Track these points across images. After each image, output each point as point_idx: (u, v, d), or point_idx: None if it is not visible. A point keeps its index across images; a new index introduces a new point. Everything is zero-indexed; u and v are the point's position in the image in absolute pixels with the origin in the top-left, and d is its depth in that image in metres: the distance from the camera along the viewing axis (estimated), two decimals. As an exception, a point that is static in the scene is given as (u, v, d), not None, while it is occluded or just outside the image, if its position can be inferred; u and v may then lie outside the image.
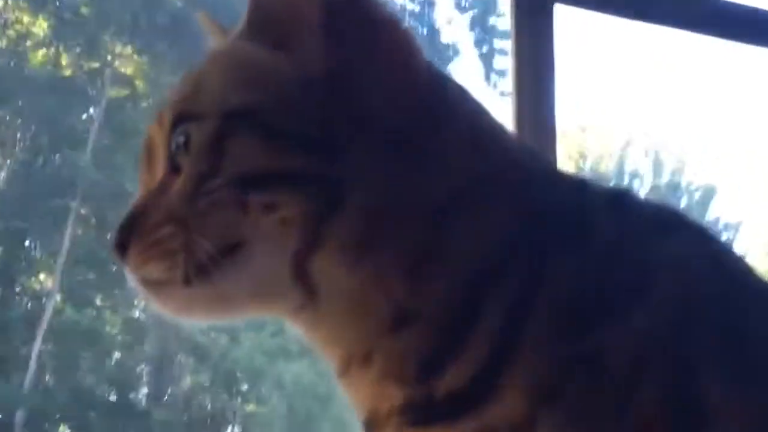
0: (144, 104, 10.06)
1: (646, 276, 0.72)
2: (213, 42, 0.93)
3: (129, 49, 10.26)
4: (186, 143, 0.78)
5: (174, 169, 0.80)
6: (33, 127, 9.76)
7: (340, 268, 0.76)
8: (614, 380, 0.67)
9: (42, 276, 9.57)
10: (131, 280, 0.80)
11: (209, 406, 9.84)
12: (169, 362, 9.70)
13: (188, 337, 9.07)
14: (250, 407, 9.94)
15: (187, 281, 0.76)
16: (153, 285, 0.79)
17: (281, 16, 0.80)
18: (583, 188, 0.80)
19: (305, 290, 0.76)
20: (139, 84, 10.25)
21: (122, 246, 0.79)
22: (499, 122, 0.83)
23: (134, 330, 9.50)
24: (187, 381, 9.86)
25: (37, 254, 9.79)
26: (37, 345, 8.76)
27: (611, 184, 0.89)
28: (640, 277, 0.72)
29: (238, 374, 9.74)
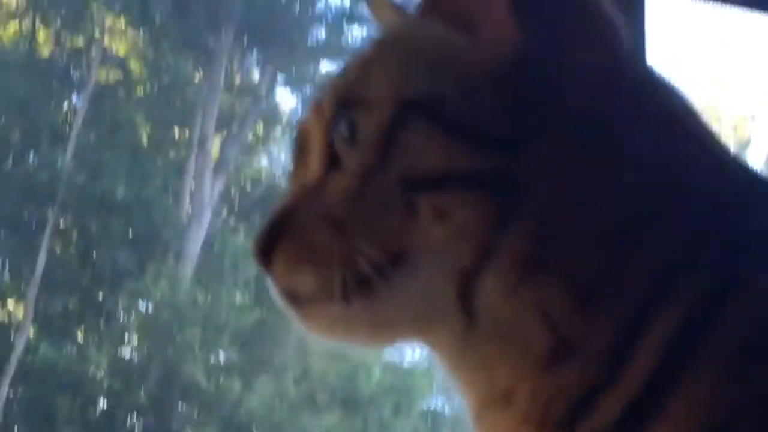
0: (140, 92, 9.91)
1: None
2: (383, 22, 0.91)
3: (122, 22, 9.85)
4: (351, 134, 0.75)
5: (333, 164, 0.76)
6: (2, 118, 9.39)
7: (506, 291, 0.71)
8: None
9: (10, 304, 9.09)
10: (275, 294, 0.76)
11: (217, 469, 9.58)
12: (168, 412, 9.00)
13: (191, 381, 8.70)
14: (268, 470, 9.73)
15: (345, 297, 0.71)
16: (302, 300, 0.75)
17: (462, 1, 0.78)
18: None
19: (465, 314, 0.72)
20: (134, 66, 9.94)
21: (267, 251, 0.75)
22: (708, 127, 0.78)
23: (124, 372, 8.90)
24: (189, 437, 9.54)
25: (5, 277, 9.35)
26: (4, 390, 8.26)
27: None
28: None
29: (254, 429, 9.11)
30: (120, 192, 8.82)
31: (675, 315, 0.69)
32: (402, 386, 9.62)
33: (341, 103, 0.77)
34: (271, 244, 0.75)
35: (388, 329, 0.75)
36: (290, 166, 0.83)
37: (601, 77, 0.75)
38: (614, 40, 0.78)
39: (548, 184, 0.71)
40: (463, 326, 0.73)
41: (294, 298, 0.75)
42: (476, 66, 0.74)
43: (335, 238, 0.73)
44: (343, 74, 0.81)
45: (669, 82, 0.80)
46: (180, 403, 9.07)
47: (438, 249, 0.71)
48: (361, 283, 0.71)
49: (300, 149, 0.81)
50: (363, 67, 0.79)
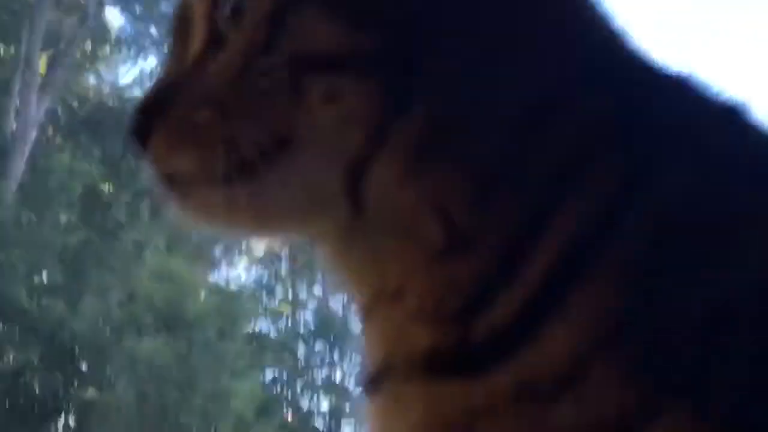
0: None
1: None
2: None
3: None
4: (236, 13, 0.71)
5: (216, 43, 0.72)
6: None
7: (398, 180, 0.68)
8: (696, 338, 0.62)
9: None
10: (153, 177, 0.72)
11: (37, 390, 9.06)
12: (-12, 333, 8.91)
13: (13, 301, 8.45)
14: (90, 393, 9.21)
15: (226, 179, 0.67)
16: (181, 182, 0.70)
17: None
18: (689, 92, 0.72)
19: (352, 204, 0.69)
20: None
21: (143, 130, 0.70)
22: (605, 12, 0.74)
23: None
24: (9, 357, 9.08)
25: None
26: None
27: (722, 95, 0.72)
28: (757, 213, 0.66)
29: (77, 350, 8.97)
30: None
31: (578, 209, 0.67)
32: (228, 309, 9.56)
33: None
34: (149, 124, 0.72)
35: (270, 217, 0.72)
36: (169, 44, 0.80)
37: None
38: None
39: (445, 74, 0.69)
40: (350, 217, 0.71)
41: (174, 179, 0.72)
42: None
43: (218, 119, 0.70)
44: None
45: None
46: (1, 323, 8.83)
47: (326, 134, 0.69)
48: (244, 166, 0.69)
49: (180, 26, 0.78)
50: None
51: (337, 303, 11.60)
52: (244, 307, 10.03)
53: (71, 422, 9.39)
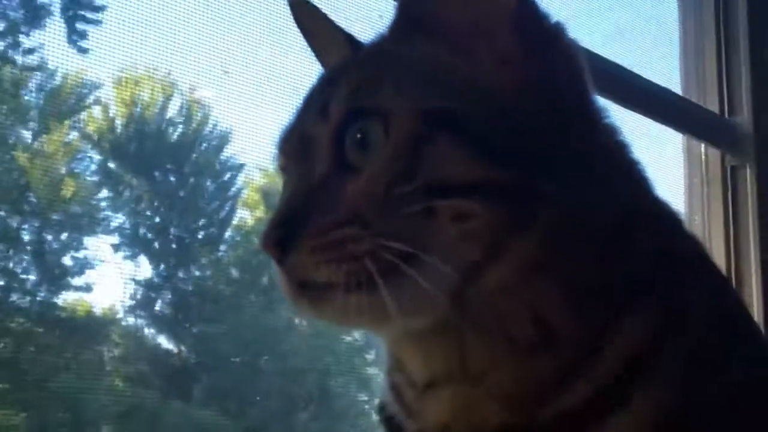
0: None
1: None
2: (311, 31, 0.98)
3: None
4: (363, 140, 0.78)
5: (342, 165, 0.79)
6: None
7: (503, 288, 0.76)
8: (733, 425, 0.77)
9: None
10: (284, 283, 0.78)
11: None
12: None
13: None
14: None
15: (361, 287, 0.74)
16: (316, 289, 0.77)
17: (460, 22, 0.81)
18: (688, 234, 0.88)
19: (455, 302, 0.76)
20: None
21: (283, 243, 0.76)
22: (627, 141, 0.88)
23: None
24: None
25: None
26: None
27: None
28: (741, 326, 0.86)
29: None
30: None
31: (639, 324, 0.78)
32: None
33: (352, 111, 0.80)
34: (288, 239, 0.77)
35: (388, 316, 0.76)
36: (284, 163, 0.86)
37: (582, 112, 0.84)
38: (581, 64, 0.86)
39: (555, 201, 0.76)
40: (447, 312, 0.77)
41: (309, 286, 0.77)
42: (486, 89, 0.79)
43: (364, 236, 0.75)
44: (343, 83, 0.83)
45: (615, 123, 0.89)
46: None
47: (450, 248, 0.75)
48: (378, 275, 0.74)
49: (300, 148, 0.83)
50: (367, 79, 0.82)
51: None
52: None
53: None
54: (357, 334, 2.25)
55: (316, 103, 0.84)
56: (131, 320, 1.62)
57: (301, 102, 0.88)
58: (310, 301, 0.78)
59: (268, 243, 0.77)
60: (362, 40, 0.96)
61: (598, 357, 0.77)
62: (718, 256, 2.26)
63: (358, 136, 0.79)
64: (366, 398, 2.08)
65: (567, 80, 0.84)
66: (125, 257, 1.60)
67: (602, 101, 0.88)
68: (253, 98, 1.62)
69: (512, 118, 0.78)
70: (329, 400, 1.98)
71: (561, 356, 0.77)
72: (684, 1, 2.46)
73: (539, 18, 0.84)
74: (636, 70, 2.15)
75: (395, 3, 0.88)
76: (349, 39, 0.96)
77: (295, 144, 0.84)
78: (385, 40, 0.88)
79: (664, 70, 2.40)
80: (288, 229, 0.77)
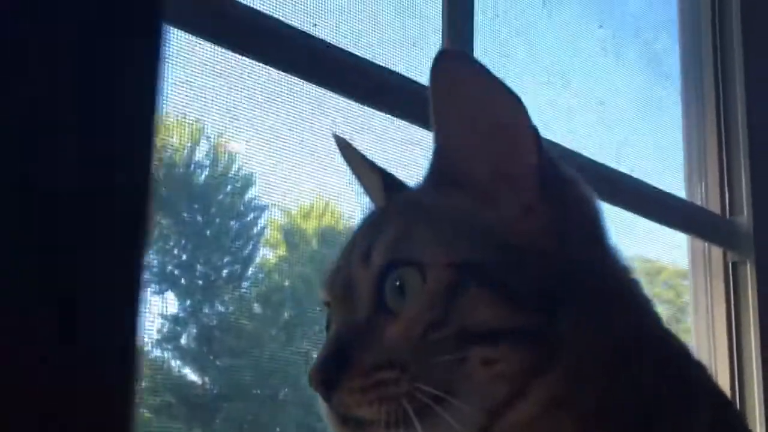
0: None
1: None
2: (358, 174, 1.08)
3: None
4: (400, 288, 0.85)
5: (382, 309, 0.86)
6: None
7: (529, 420, 0.81)
8: None
9: None
10: (328, 415, 0.84)
11: None
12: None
13: None
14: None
15: (398, 424, 0.80)
16: (358, 424, 0.82)
17: (486, 176, 0.88)
18: (687, 354, 0.95)
19: None
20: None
21: (329, 382, 0.82)
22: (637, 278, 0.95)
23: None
24: None
25: None
26: None
27: None
28: None
29: None
30: None
31: None
32: None
33: (389, 261, 0.87)
34: (334, 377, 0.83)
35: None
36: (330, 300, 0.93)
37: (598, 255, 0.91)
38: (598, 213, 0.93)
39: (574, 340, 0.83)
40: None
41: (350, 422, 0.84)
42: (510, 237, 0.85)
43: (402, 379, 0.81)
44: (384, 232, 0.90)
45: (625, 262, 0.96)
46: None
47: (479, 389, 0.81)
48: (417, 414, 0.80)
49: (345, 289, 0.90)
50: (405, 230, 0.89)
51: None
52: None
53: None
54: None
55: (359, 248, 0.91)
56: (158, 353, 1.65)
57: (347, 242, 0.95)
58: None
59: (316, 382, 0.84)
60: (396, 176, 1.07)
61: None
62: (721, 345, 2.35)
63: (397, 283, 0.86)
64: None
65: (584, 226, 0.91)
66: (153, 293, 1.64)
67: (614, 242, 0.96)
68: (276, 145, 1.68)
69: (535, 266, 0.84)
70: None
71: None
72: (687, 112, 2.60)
73: (557, 169, 0.91)
74: (643, 177, 2.34)
75: (430, 157, 0.95)
76: (383, 176, 1.06)
77: (339, 284, 0.91)
78: (421, 189, 0.96)
79: (669, 176, 2.55)
80: (332, 370, 0.83)
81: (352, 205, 1.75)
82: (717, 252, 2.47)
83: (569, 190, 0.91)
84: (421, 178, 0.98)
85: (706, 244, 2.49)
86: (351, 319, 0.88)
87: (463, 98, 0.89)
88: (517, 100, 0.87)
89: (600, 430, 0.84)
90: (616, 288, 0.91)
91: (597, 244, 0.92)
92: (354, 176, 1.10)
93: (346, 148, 1.09)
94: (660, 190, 2.38)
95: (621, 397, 0.85)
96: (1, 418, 0.33)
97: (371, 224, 0.94)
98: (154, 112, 0.41)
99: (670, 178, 2.55)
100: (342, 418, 0.84)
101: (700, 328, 2.43)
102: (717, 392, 0.94)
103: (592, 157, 2.19)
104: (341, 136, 1.10)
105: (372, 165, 1.07)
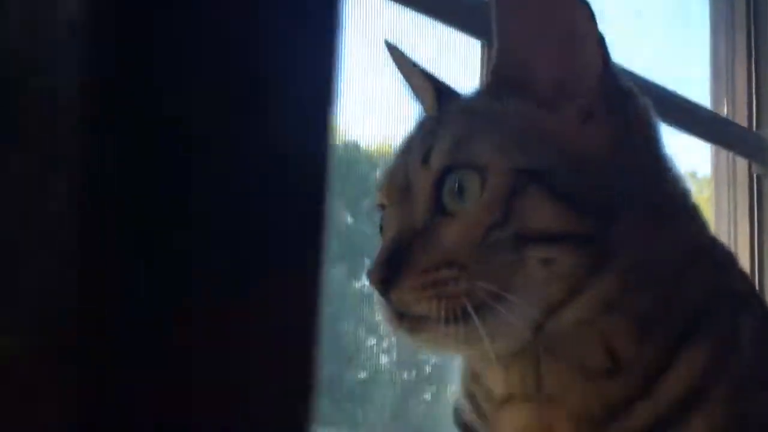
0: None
1: None
2: (411, 83, 1.09)
3: None
4: (459, 191, 0.87)
5: (439, 210, 0.88)
6: None
7: (581, 321, 0.85)
8: None
9: None
10: (384, 312, 0.87)
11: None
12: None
13: None
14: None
15: (455, 321, 0.83)
16: (415, 320, 0.86)
17: (549, 82, 0.90)
18: (731, 256, 1.00)
19: (534, 333, 0.85)
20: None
21: (387, 280, 0.85)
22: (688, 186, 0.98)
23: None
24: None
25: None
26: None
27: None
28: None
29: None
30: None
31: (698, 353, 0.87)
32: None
33: (450, 164, 0.89)
34: (392, 276, 0.85)
35: (476, 345, 0.85)
36: (386, 202, 0.95)
37: (654, 164, 0.93)
38: (653, 123, 0.96)
39: (630, 246, 0.86)
40: (526, 341, 0.87)
41: (408, 318, 0.86)
42: (571, 144, 0.87)
43: (461, 277, 0.84)
44: (444, 136, 0.92)
45: (677, 169, 0.98)
46: None
47: (535, 289, 0.84)
48: (476, 310, 0.83)
49: (403, 190, 0.92)
50: (465, 134, 0.90)
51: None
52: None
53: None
54: (366, 283, 2.33)
55: (418, 150, 0.92)
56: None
57: (402, 145, 0.97)
58: (409, 330, 0.87)
59: (374, 279, 0.86)
60: (448, 84, 1.08)
61: (660, 384, 0.86)
62: (743, 255, 2.39)
63: (456, 186, 0.87)
64: (374, 343, 2.16)
65: (642, 136, 0.93)
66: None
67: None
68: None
69: (594, 173, 0.87)
70: (338, 345, 2.05)
71: (628, 382, 0.86)
72: (715, 23, 2.60)
73: (617, 80, 0.92)
74: (671, 87, 2.34)
75: (489, 63, 0.97)
76: (435, 85, 1.07)
77: (397, 187, 0.93)
78: (478, 97, 0.98)
79: (697, 87, 2.58)
80: (392, 268, 0.86)
81: (346, 121, 1.75)
82: (742, 164, 2.48)
83: (629, 100, 0.93)
84: (475, 86, 1.01)
85: (731, 155, 2.49)
86: (408, 221, 0.90)
87: (530, 2, 0.90)
88: (587, 7, 0.88)
89: (651, 334, 0.87)
90: (670, 197, 0.93)
91: (653, 154, 0.94)
92: (405, 84, 1.11)
93: (397, 55, 1.10)
94: (688, 100, 2.39)
95: (669, 303, 0.88)
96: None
97: (428, 129, 0.95)
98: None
99: (697, 91, 2.57)
100: (399, 315, 0.86)
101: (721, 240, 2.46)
102: (760, 301, 0.98)
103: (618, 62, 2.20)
104: (392, 42, 1.11)
105: (424, 73, 1.08)
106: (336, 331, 2.01)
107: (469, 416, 0.98)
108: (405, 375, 1.99)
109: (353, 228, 2.12)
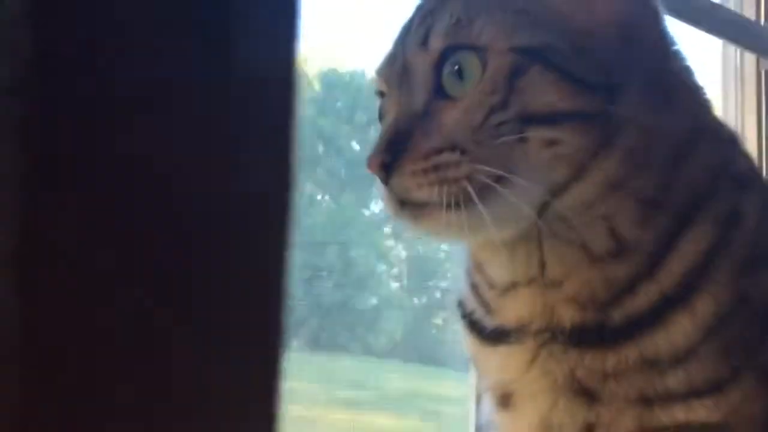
0: None
1: None
2: None
3: None
4: (459, 72, 0.85)
5: (439, 93, 0.85)
6: None
7: (586, 202, 0.83)
8: (762, 317, 0.85)
9: None
10: (386, 199, 0.85)
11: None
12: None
13: None
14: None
15: (457, 205, 0.80)
16: (417, 206, 0.83)
17: None
18: (736, 137, 0.98)
19: (539, 216, 0.83)
20: None
21: (387, 166, 0.83)
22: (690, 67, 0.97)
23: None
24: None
25: None
26: None
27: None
28: None
29: None
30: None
31: (701, 233, 0.85)
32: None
33: (449, 45, 0.85)
34: (393, 161, 0.83)
35: (481, 230, 0.84)
36: (385, 88, 0.92)
37: (657, 42, 0.89)
38: (659, 8, 0.91)
39: (634, 124, 0.84)
40: (530, 224, 0.84)
41: (410, 205, 0.84)
42: (575, 21, 0.85)
43: (462, 161, 0.82)
44: (442, 17, 0.89)
45: (682, 53, 0.95)
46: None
47: (538, 171, 0.82)
48: (477, 195, 0.80)
49: (403, 75, 0.90)
50: (465, 14, 0.88)
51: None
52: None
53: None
54: (376, 208, 2.34)
55: (416, 33, 0.90)
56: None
57: (401, 29, 0.93)
58: (411, 217, 0.85)
59: (374, 165, 0.85)
60: None
61: (664, 264, 0.85)
62: (751, 149, 2.36)
63: (456, 67, 0.86)
64: (384, 268, 2.18)
65: (645, 15, 0.91)
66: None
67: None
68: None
69: (598, 51, 0.84)
70: (350, 271, 2.07)
71: (631, 264, 0.85)
72: None
73: None
74: None
75: None
76: None
77: (396, 71, 0.91)
78: None
79: None
80: (392, 153, 0.84)
81: (353, 49, 1.74)
82: (750, 59, 2.44)
83: None
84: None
85: (738, 51, 2.45)
86: (408, 105, 0.88)
87: None
88: None
89: (653, 215, 0.86)
90: (674, 74, 0.91)
91: (657, 34, 0.91)
92: None
93: None
94: None
95: (673, 183, 0.87)
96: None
97: (427, 10, 0.92)
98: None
99: None
100: (400, 202, 0.84)
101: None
102: (763, 182, 0.98)
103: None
104: None
105: None
106: (347, 257, 2.03)
107: (472, 305, 0.98)
108: (415, 300, 2.01)
109: (361, 156, 2.12)
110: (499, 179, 0.81)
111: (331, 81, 1.73)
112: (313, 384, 1.85)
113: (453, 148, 0.83)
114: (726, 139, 0.96)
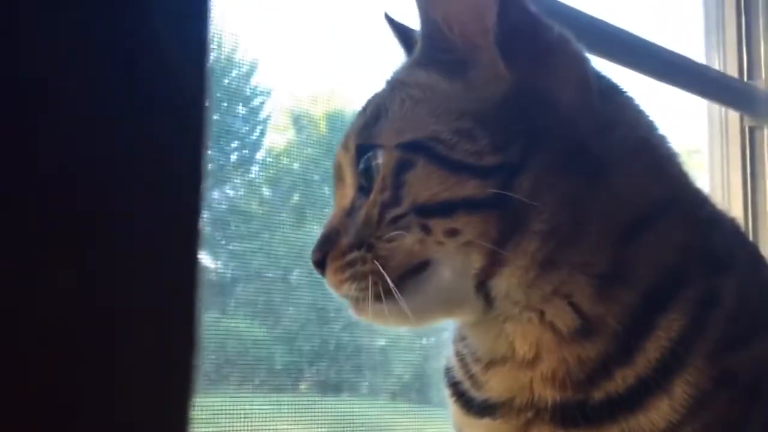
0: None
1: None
2: (404, 45, 1.05)
3: None
4: (367, 170, 0.87)
5: (362, 191, 0.89)
6: None
7: (525, 283, 0.82)
8: (745, 395, 0.83)
9: None
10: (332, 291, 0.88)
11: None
12: None
13: None
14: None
15: (378, 299, 0.84)
16: (351, 299, 0.87)
17: (454, 43, 0.87)
18: (718, 214, 0.93)
19: (484, 301, 0.84)
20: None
21: (321, 264, 0.88)
22: (663, 135, 0.92)
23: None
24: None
25: None
26: None
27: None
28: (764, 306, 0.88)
29: None
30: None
31: (675, 318, 0.84)
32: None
33: (360, 144, 0.89)
34: (323, 259, 0.88)
35: (423, 315, 0.86)
36: (334, 189, 0.95)
37: (575, 104, 0.87)
38: (583, 69, 0.89)
39: (549, 201, 0.82)
40: (482, 310, 0.85)
41: (345, 296, 0.88)
42: (469, 106, 0.84)
43: (366, 258, 0.84)
44: (363, 113, 0.92)
45: (629, 95, 0.92)
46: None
47: (453, 257, 0.83)
48: (388, 290, 0.83)
49: (338, 175, 0.93)
50: (374, 110, 0.90)
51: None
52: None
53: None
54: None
55: (345, 133, 0.93)
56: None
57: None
58: (351, 309, 0.89)
59: (312, 263, 0.88)
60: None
61: (639, 349, 0.84)
62: (736, 210, 2.37)
63: (362, 166, 0.89)
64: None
65: (570, 89, 0.87)
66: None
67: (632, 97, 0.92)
68: (280, 28, 1.66)
69: (493, 128, 0.83)
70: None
71: (602, 343, 0.84)
72: None
73: (534, 32, 0.89)
74: (663, 42, 2.30)
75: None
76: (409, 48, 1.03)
77: (335, 169, 0.94)
78: (408, 66, 0.96)
79: (688, 40, 2.62)
80: (322, 252, 0.88)
81: (360, 89, 1.74)
82: (734, 117, 2.45)
83: (551, 52, 0.89)
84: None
85: (723, 109, 2.46)
86: (341, 203, 0.91)
87: None
88: None
89: (613, 291, 0.84)
90: (625, 148, 0.88)
91: (588, 106, 0.88)
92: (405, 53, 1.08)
93: (395, 27, 1.09)
94: (677, 54, 2.35)
95: (637, 258, 0.85)
96: None
97: (361, 110, 0.95)
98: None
99: (688, 43, 2.60)
100: (341, 294, 0.88)
101: (715, 195, 2.43)
102: (747, 250, 0.94)
103: (612, 23, 2.15)
104: (390, 15, 1.10)
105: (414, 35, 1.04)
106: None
107: (459, 375, 0.97)
108: (423, 341, 1.99)
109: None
110: (417, 268, 0.83)
111: (337, 123, 1.73)
112: (322, 428, 1.83)
113: (360, 245, 0.85)
114: (703, 216, 0.91)
